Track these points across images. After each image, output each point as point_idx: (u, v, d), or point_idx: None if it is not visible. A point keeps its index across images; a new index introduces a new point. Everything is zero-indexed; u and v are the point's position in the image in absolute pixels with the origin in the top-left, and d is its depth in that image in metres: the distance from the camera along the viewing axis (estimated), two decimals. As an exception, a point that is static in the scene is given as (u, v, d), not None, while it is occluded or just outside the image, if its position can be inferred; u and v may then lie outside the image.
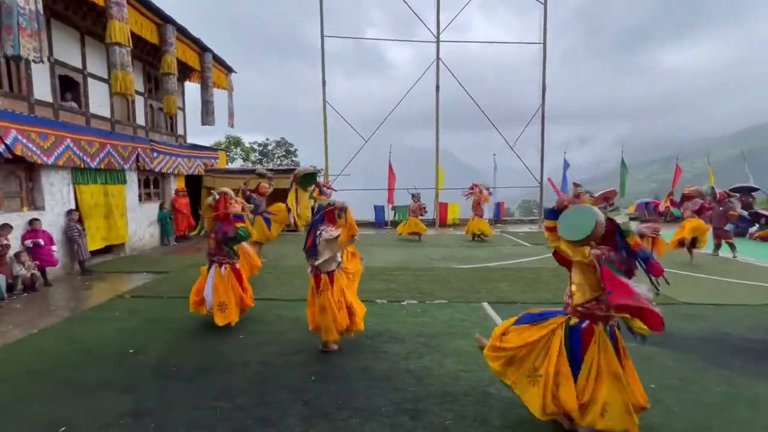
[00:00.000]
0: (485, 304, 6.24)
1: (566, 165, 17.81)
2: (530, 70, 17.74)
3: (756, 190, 14.53)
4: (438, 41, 16.80)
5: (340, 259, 4.48)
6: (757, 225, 12.73)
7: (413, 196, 13.82)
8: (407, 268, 8.87)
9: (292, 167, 19.59)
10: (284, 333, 5.07)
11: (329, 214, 4.30)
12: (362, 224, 17.54)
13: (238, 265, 5.39)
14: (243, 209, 5.87)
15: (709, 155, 19.59)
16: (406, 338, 4.88)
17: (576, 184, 8.26)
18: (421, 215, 13.55)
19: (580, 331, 2.80)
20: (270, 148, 33.07)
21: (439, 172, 17.28)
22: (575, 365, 2.78)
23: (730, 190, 17.83)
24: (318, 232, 4.26)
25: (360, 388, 3.70)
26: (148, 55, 12.11)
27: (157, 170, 11.91)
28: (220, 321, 4.97)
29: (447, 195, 17.49)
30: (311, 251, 4.30)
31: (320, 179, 17.53)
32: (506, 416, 3.26)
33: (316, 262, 4.28)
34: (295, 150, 33.56)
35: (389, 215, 17.62)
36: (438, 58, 16.80)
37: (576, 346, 2.79)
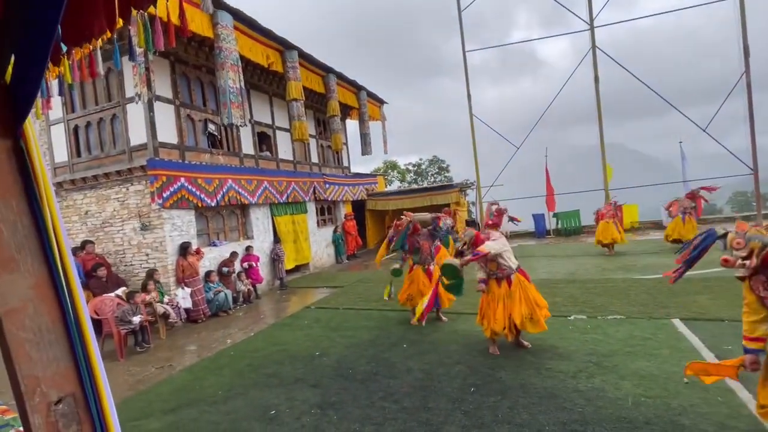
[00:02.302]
0: (676, 321, 5.27)
1: None
2: (728, 31, 14.33)
3: None
4: (592, 27, 15.19)
5: (512, 263, 4.71)
6: None
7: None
8: (574, 280, 8.12)
9: (447, 183, 20.09)
10: (443, 344, 5.25)
11: (477, 238, 4.76)
12: (521, 235, 16.71)
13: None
14: None
15: None
16: (574, 356, 4.50)
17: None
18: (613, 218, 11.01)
19: None
20: (424, 167, 34.60)
21: (608, 169, 15.31)
22: None
23: None
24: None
25: (521, 404, 3.59)
26: (316, 102, 14.32)
27: (329, 199, 13.82)
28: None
29: (622, 195, 15.32)
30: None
31: (472, 192, 17.48)
32: (706, 454, 2.72)
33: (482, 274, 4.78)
34: (447, 166, 34.30)
35: (550, 224, 16.37)
36: (594, 46, 15.15)
37: None
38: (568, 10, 15.45)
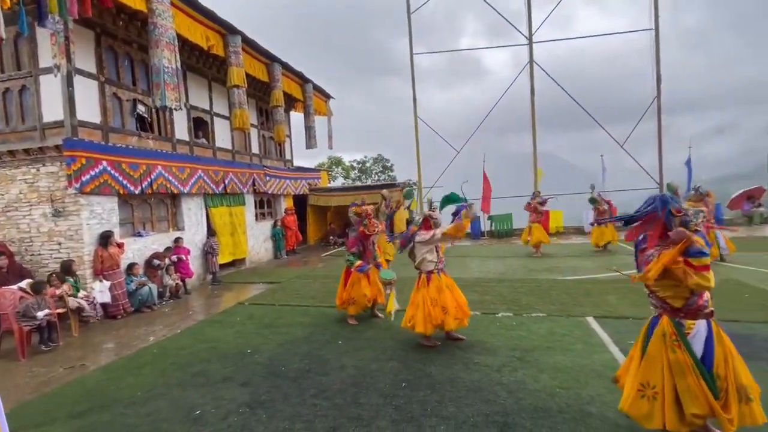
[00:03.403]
0: (590, 318, 5.77)
1: (689, 163, 15.51)
2: (647, 59, 15.94)
3: None
4: (531, 42, 16.14)
5: (436, 260, 4.94)
6: None
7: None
8: (504, 280, 8.59)
9: (390, 182, 20.31)
10: (378, 340, 5.32)
11: (426, 222, 5.03)
12: (458, 235, 17.34)
13: (352, 269, 6.16)
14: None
15: None
16: (500, 351, 4.76)
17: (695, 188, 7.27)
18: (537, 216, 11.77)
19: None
20: (368, 165, 34.74)
21: (539, 172, 16.35)
22: None
23: None
24: (417, 237, 4.97)
25: (449, 397, 3.73)
26: (259, 91, 13.80)
27: (269, 192, 13.40)
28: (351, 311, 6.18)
29: (550, 202, 16.43)
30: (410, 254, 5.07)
31: (414, 191, 17.85)
32: (607, 438, 3.01)
33: (415, 263, 4.98)
34: (392, 165, 34.73)
35: (485, 226, 17.18)
36: (531, 60, 16.11)
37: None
38: (510, 23, 16.28)
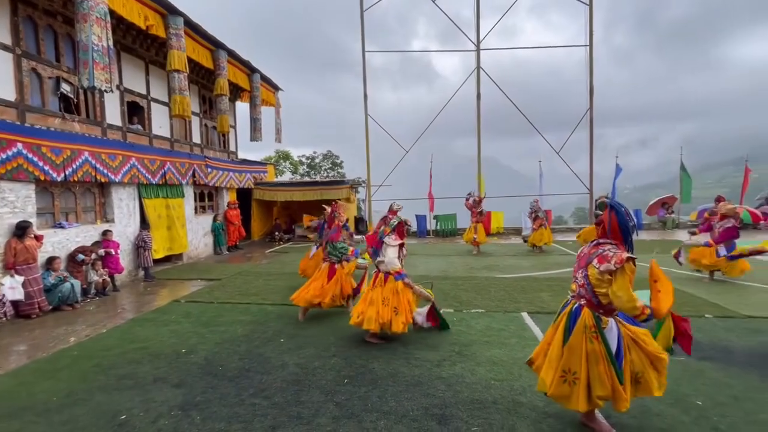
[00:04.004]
0: (524, 314, 6.11)
1: (618, 170, 16.92)
2: (581, 73, 17.17)
3: None
4: (478, 49, 16.74)
5: (397, 266, 5.06)
6: None
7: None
8: (447, 277, 8.85)
9: (339, 179, 20.19)
10: (322, 338, 5.27)
11: (400, 226, 5.18)
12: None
13: (337, 266, 6.05)
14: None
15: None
16: (440, 346, 4.91)
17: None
18: (477, 215, 12.32)
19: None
20: (317, 160, 34.22)
21: (481, 180, 17.04)
22: None
23: None
24: (386, 238, 5.12)
25: (390, 392, 3.79)
26: (202, 78, 13.12)
27: (211, 184, 12.78)
28: (322, 306, 5.97)
29: (492, 203, 17.19)
30: (375, 252, 5.18)
31: (363, 189, 17.85)
32: (536, 425, 3.21)
33: (376, 260, 5.13)
34: (341, 162, 34.47)
35: (431, 225, 17.60)
36: (478, 67, 16.72)
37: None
38: (460, 29, 16.77)
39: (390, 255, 5.05)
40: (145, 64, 10.72)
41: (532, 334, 5.26)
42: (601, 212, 3.10)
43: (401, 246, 5.17)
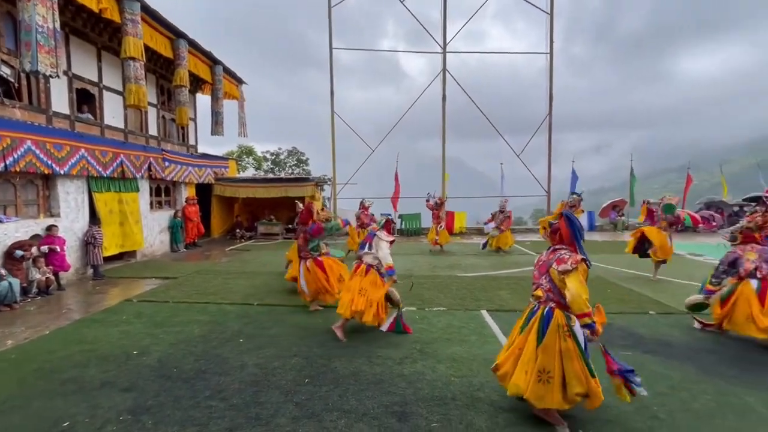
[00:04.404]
0: (484, 312, 6.27)
1: (574, 176, 17.69)
2: (542, 79, 17.80)
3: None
4: (444, 51, 17.00)
5: (390, 261, 5.25)
6: None
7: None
8: (410, 276, 8.92)
9: (305, 176, 19.91)
10: (283, 337, 5.18)
11: (388, 224, 5.55)
12: (370, 232, 17.62)
13: (320, 258, 6.27)
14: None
15: (726, 164, 19.26)
16: (402, 344, 4.95)
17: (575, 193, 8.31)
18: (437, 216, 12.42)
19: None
20: (282, 157, 33.59)
21: (445, 176, 17.30)
22: None
23: (744, 200, 17.55)
24: (378, 233, 5.37)
25: (351, 391, 3.78)
26: (161, 68, 12.54)
27: (168, 179, 12.25)
28: (328, 301, 6.25)
29: (455, 203, 17.53)
30: (362, 246, 5.44)
31: (328, 187, 17.71)
32: (492, 420, 3.31)
33: (361, 252, 5.36)
34: (307, 159, 34.01)
35: (396, 224, 17.71)
36: (444, 69, 16.98)
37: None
38: (427, 31, 16.96)
39: (384, 250, 5.25)
40: (98, 49, 10.11)
41: (491, 332, 5.41)
42: (555, 222, 3.39)
43: (391, 243, 5.41)
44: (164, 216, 12.43)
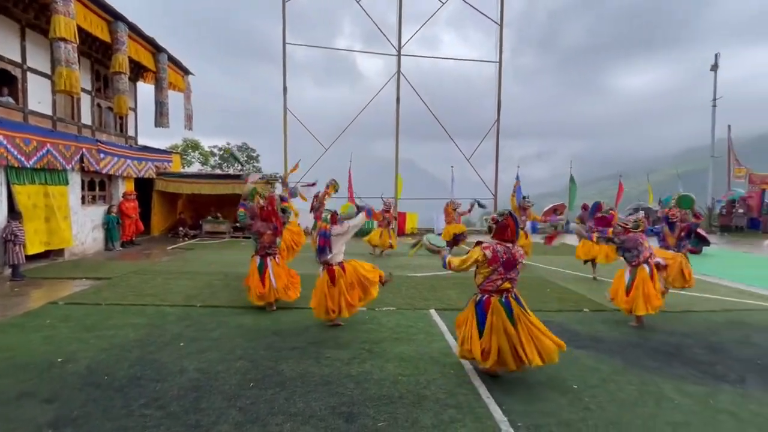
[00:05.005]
0: (432, 311, 6.41)
1: (519, 192, 18.54)
2: (492, 86, 18.47)
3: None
4: (399, 54, 17.19)
5: (342, 252, 5.44)
6: None
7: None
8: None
9: (254, 173, 19.27)
10: (227, 340, 4.99)
11: (334, 216, 5.57)
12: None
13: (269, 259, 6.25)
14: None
15: (652, 173, 20.99)
16: (351, 344, 4.94)
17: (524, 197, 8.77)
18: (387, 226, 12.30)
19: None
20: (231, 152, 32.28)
21: (399, 181, 17.51)
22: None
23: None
24: (329, 231, 5.34)
25: (298, 393, 3.71)
26: (97, 52, 11.65)
27: (103, 172, 11.39)
28: (293, 297, 6.28)
29: (407, 204, 17.77)
30: (322, 250, 5.32)
31: (279, 185, 17.32)
32: (438, 417, 3.38)
33: (329, 257, 5.29)
34: (258, 156, 32.96)
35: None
36: (399, 71, 17.17)
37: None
38: (382, 32, 17.06)
39: (338, 245, 5.37)
40: (21, 27, 9.20)
41: (439, 330, 5.54)
42: (502, 219, 3.99)
43: (348, 232, 5.58)
44: (98, 212, 11.54)
